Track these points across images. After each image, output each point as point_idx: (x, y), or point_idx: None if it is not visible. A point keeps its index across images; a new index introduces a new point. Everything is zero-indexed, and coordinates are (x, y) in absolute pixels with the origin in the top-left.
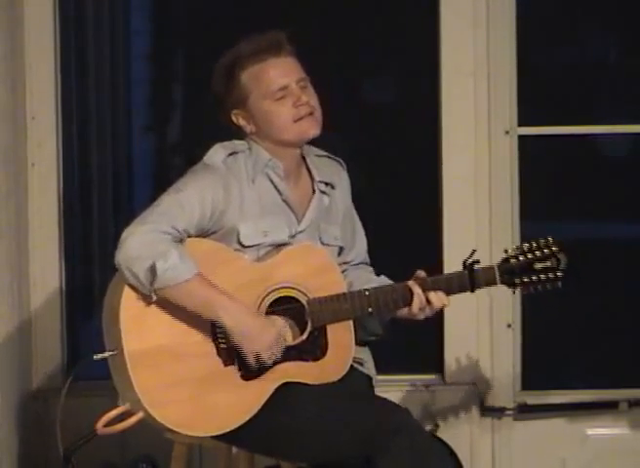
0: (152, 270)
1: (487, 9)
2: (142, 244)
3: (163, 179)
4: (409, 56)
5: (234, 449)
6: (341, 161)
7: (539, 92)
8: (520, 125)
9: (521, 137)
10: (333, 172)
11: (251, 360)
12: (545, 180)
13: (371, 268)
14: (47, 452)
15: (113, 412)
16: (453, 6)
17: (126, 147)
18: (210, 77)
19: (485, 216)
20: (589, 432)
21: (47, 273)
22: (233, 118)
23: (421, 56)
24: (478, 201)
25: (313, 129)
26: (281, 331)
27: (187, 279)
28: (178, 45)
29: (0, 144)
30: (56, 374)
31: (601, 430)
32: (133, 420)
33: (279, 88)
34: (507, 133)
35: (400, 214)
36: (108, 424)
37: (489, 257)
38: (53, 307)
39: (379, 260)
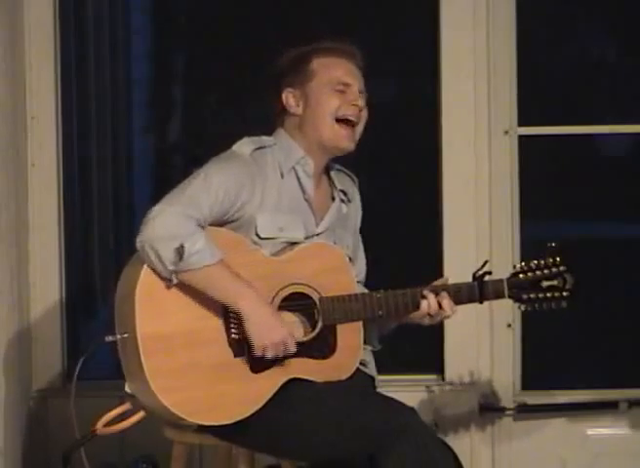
0: (179, 251)
1: (487, 9)
2: (170, 224)
3: (163, 179)
4: (409, 56)
5: (234, 449)
6: (355, 178)
7: (539, 92)
8: (520, 125)
9: (521, 137)
10: (348, 186)
11: (257, 350)
12: (545, 180)
13: (365, 289)
14: (47, 452)
15: (113, 412)
16: (453, 6)
17: (126, 147)
18: (212, 76)
19: (485, 216)
20: (589, 432)
21: (47, 274)
22: (284, 96)
23: (421, 56)
24: (478, 201)
25: (347, 141)
26: (292, 332)
27: (212, 263)
28: (178, 45)
29: (0, 144)
30: (55, 375)
31: (601, 430)
32: (133, 420)
33: (344, 82)
34: (507, 133)
35: (400, 214)
36: (108, 424)
37: (489, 257)
38: (53, 308)
39: (379, 260)
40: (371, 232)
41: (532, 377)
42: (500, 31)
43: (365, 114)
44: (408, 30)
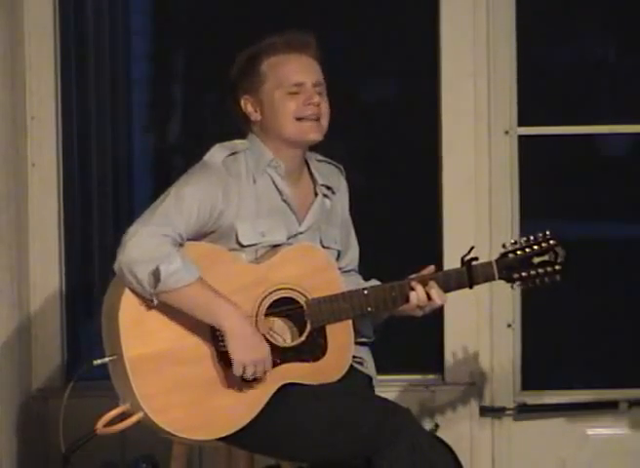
0: (156, 274)
1: (487, 9)
2: (145, 247)
3: (163, 179)
4: (409, 56)
5: (234, 450)
6: (341, 167)
7: (539, 92)
8: (520, 125)
9: (521, 137)
10: (333, 177)
11: (236, 368)
12: (545, 180)
13: (360, 276)
14: (47, 452)
15: (113, 412)
16: (453, 6)
17: (126, 147)
18: (212, 76)
19: (485, 216)
20: (589, 432)
21: (47, 273)
22: (242, 103)
23: (421, 56)
24: (478, 201)
25: (314, 133)
26: (268, 357)
27: (190, 283)
28: (178, 45)
29: (0, 144)
30: (55, 375)
31: (601, 430)
32: (133, 420)
33: (295, 83)
34: (507, 133)
35: (400, 214)
36: (108, 424)
37: (489, 257)
38: (52, 307)
39: (378, 261)
40: (371, 232)
41: (532, 377)
42: (501, 31)
43: (325, 106)
44: (408, 30)
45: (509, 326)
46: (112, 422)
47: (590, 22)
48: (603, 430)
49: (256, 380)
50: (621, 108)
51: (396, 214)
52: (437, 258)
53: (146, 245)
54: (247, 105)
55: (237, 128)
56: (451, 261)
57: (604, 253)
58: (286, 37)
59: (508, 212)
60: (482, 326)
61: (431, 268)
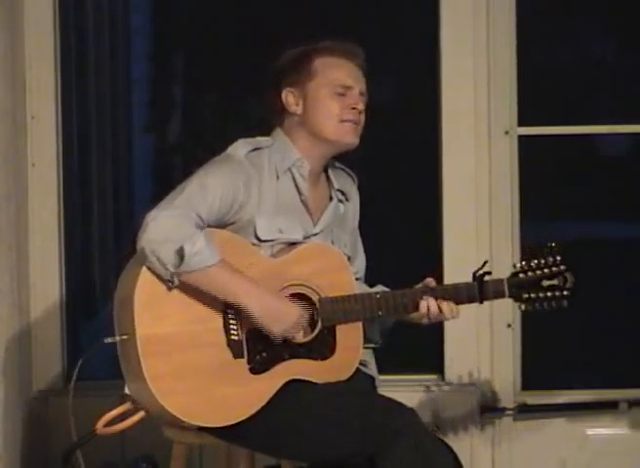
0: (180, 253)
1: (487, 9)
2: (168, 227)
3: (163, 179)
4: (409, 56)
5: (234, 450)
6: (355, 177)
7: (539, 92)
8: (520, 125)
9: (521, 137)
10: (347, 185)
11: (279, 338)
12: (545, 180)
13: (366, 285)
14: (47, 452)
15: (113, 412)
16: (453, 6)
17: (126, 147)
18: (212, 76)
19: (485, 216)
20: (589, 432)
21: (47, 273)
22: (283, 95)
23: (421, 56)
24: (478, 201)
25: (353, 136)
26: (301, 316)
27: (214, 263)
28: (178, 45)
29: (0, 144)
30: (56, 375)
31: (601, 430)
32: (133, 420)
33: (344, 85)
34: (507, 133)
35: (400, 214)
36: (108, 424)
37: (489, 257)
38: (53, 307)
39: (379, 261)
40: (371, 232)
41: (532, 377)
42: (501, 31)
43: (364, 118)
44: (408, 30)
45: (509, 326)
46: (112, 422)
47: (590, 22)
48: (603, 430)
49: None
50: (621, 108)
51: (396, 215)
52: (437, 259)
53: (170, 225)
54: (288, 97)
55: (238, 128)
56: (451, 261)
57: (604, 253)
58: (340, 43)
59: (508, 212)
60: (482, 326)
61: (430, 281)
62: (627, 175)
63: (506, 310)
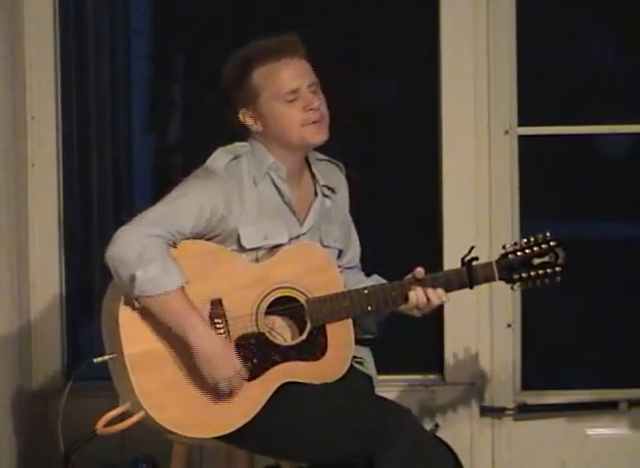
0: (132, 279)
1: (487, 9)
2: (131, 247)
3: (163, 180)
4: (409, 56)
5: (234, 450)
6: (341, 164)
7: (539, 92)
8: (520, 125)
9: (521, 137)
10: (333, 175)
11: (210, 384)
12: (545, 180)
13: (362, 272)
14: (47, 452)
15: (113, 412)
16: (453, 6)
17: (126, 147)
18: (212, 76)
19: (485, 216)
20: (589, 432)
21: (47, 273)
22: (240, 117)
23: (421, 56)
24: (478, 201)
25: (320, 135)
26: (240, 370)
27: (166, 292)
28: (178, 45)
29: (0, 144)
30: (56, 375)
31: (601, 430)
32: (133, 420)
33: (291, 90)
34: (507, 133)
35: (400, 214)
36: (108, 424)
37: (489, 257)
38: (52, 307)
39: (379, 260)
40: (371, 232)
41: (532, 377)
42: (501, 31)
43: (324, 106)
44: (408, 30)
45: (509, 326)
46: (112, 422)
47: (590, 22)
48: (603, 430)
49: (233, 392)
50: (621, 108)
51: (396, 214)
52: (437, 259)
53: (132, 245)
54: (246, 118)
55: (238, 128)
56: (451, 261)
57: (604, 253)
58: (271, 42)
59: (508, 212)
60: (482, 326)
61: (420, 270)
62: (628, 175)
63: (506, 310)
